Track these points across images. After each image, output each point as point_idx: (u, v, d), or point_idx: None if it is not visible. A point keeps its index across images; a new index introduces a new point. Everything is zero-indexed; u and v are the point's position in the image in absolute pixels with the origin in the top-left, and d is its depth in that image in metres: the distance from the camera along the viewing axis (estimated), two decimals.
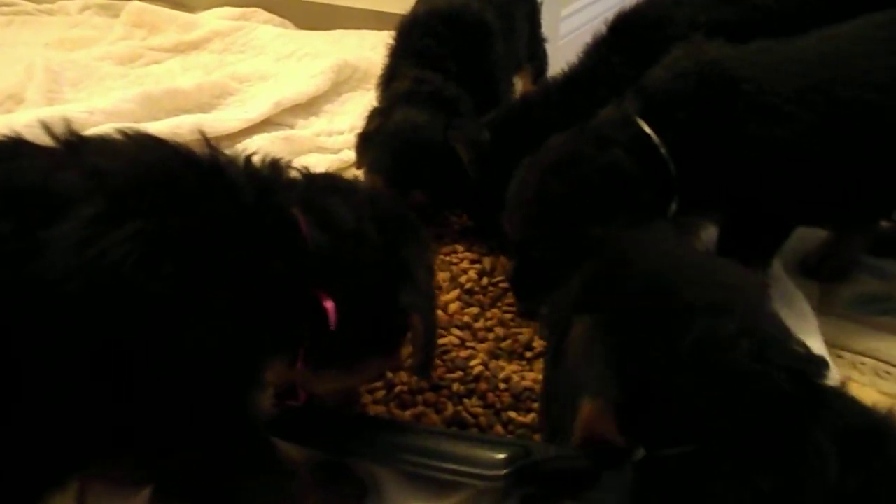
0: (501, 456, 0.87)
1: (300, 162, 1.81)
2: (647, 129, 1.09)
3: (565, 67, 1.41)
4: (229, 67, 2.38)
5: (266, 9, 2.78)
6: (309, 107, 2.13)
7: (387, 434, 0.93)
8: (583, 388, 0.71)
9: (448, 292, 1.22)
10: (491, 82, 1.46)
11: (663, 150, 1.08)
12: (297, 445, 0.94)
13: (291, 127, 2.07)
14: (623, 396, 0.69)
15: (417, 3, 1.57)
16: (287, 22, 2.75)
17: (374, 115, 1.38)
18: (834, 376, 1.12)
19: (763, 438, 0.64)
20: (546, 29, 2.10)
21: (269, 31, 2.62)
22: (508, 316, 1.20)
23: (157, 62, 2.42)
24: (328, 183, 0.89)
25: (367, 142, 1.37)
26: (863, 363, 1.20)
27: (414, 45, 1.45)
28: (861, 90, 1.05)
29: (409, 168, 1.32)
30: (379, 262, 0.84)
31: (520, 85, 1.89)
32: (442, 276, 1.26)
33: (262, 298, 0.74)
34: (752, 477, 0.62)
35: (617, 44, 1.35)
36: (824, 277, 1.39)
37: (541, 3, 1.88)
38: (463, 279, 1.26)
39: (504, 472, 0.85)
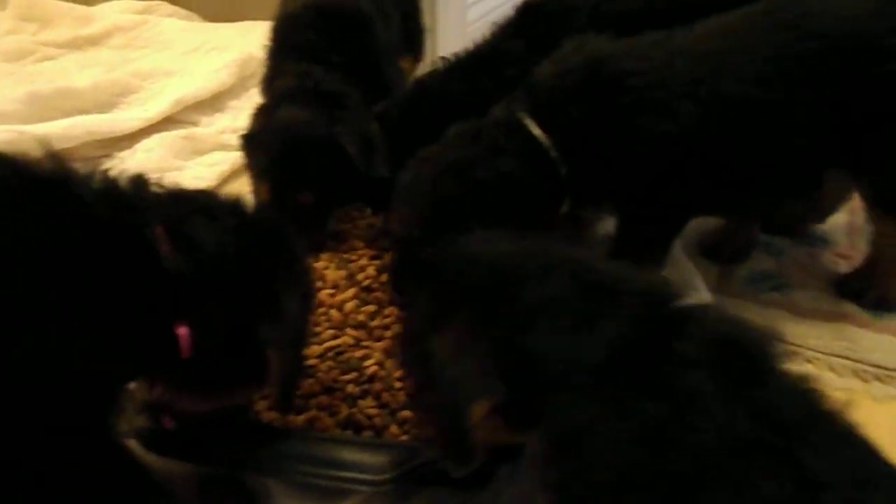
0: (386, 459, 0.85)
1: (206, 160, 1.83)
2: (535, 130, 1.08)
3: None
4: (132, 64, 2.28)
5: (171, 1, 2.66)
6: (213, 103, 2.06)
7: (272, 443, 0.90)
8: (466, 396, 0.69)
9: (345, 290, 1.19)
10: (378, 72, 1.43)
11: (553, 154, 1.08)
12: (181, 461, 0.91)
13: (195, 125, 2.00)
14: (508, 393, 0.68)
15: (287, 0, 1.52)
16: (193, 14, 2.65)
17: (258, 115, 1.33)
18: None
19: (631, 366, 0.64)
20: (454, 15, 2.09)
21: (174, 25, 2.52)
22: None
23: (50, 59, 2.29)
24: (195, 202, 0.84)
25: (251, 144, 1.32)
26: None
27: (293, 41, 1.40)
28: (742, 84, 1.06)
29: (293, 169, 1.27)
30: (239, 291, 0.80)
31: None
32: (339, 275, 1.23)
33: (109, 319, 0.70)
34: (634, 403, 0.62)
35: (522, 28, 1.35)
36: (723, 259, 1.42)
37: None
38: (360, 276, 1.23)
39: (388, 476, 0.84)
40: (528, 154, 1.08)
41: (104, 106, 2.02)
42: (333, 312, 1.15)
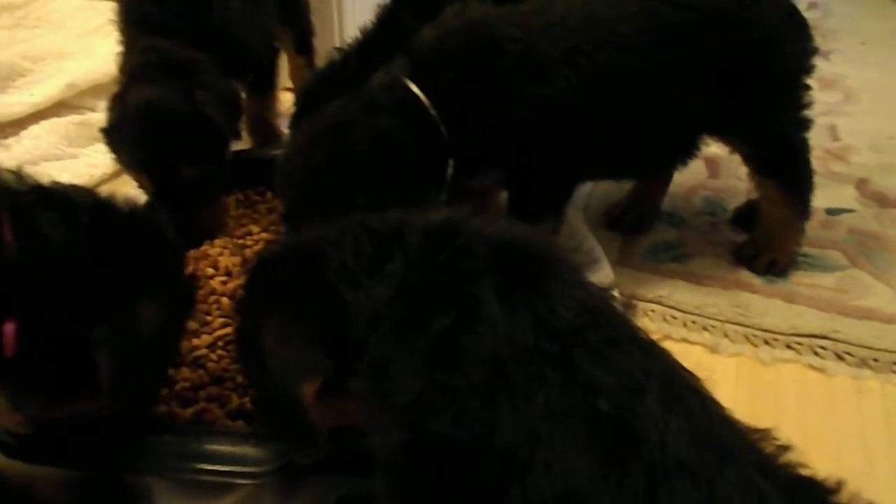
0: (271, 451, 0.83)
1: (102, 147, 1.72)
2: (416, 90, 1.06)
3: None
4: (20, 45, 2.14)
5: None
6: (112, 87, 1.94)
7: (152, 440, 0.86)
8: (294, 378, 0.69)
9: (238, 278, 1.15)
10: (232, 41, 1.35)
11: (433, 112, 1.06)
12: (51, 467, 0.86)
13: (92, 110, 1.89)
14: (335, 366, 0.68)
15: None
16: None
17: (113, 105, 1.25)
18: None
19: (418, 290, 0.67)
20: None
21: (69, 4, 2.37)
22: None
23: None
24: (52, 195, 0.78)
25: (113, 137, 1.24)
26: (653, 310, 1.26)
27: (138, 13, 1.32)
28: (618, 53, 1.07)
29: (164, 150, 1.20)
30: (77, 291, 0.74)
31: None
32: (233, 261, 1.19)
33: None
34: (421, 322, 0.64)
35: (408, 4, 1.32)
36: (626, 229, 1.44)
37: None
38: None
39: (270, 467, 0.81)
40: (407, 112, 1.06)
41: None
42: (225, 301, 1.11)
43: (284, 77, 1.83)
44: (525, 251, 0.70)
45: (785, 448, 0.64)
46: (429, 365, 0.62)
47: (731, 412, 0.65)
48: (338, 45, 2.02)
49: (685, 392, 0.62)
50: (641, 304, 1.26)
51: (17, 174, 0.81)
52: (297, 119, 1.35)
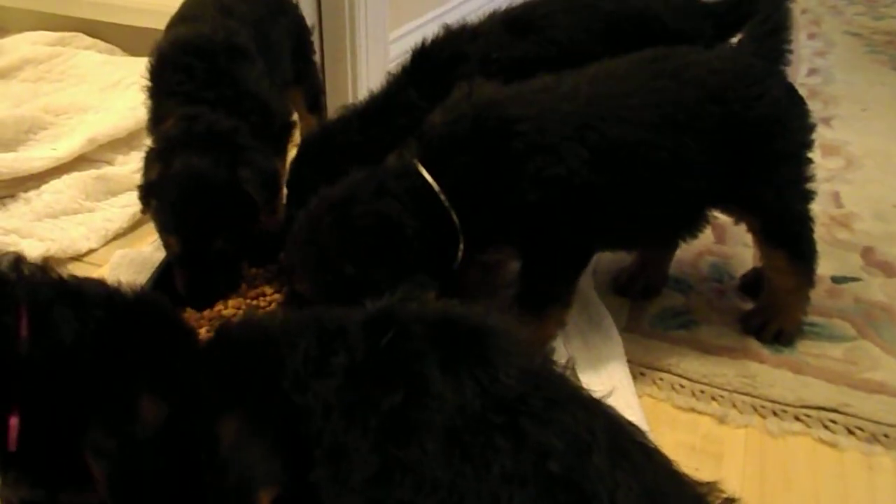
0: None
1: (119, 202, 1.76)
2: (427, 176, 1.09)
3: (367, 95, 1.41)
4: (43, 99, 2.20)
5: (90, 33, 2.60)
6: (130, 141, 2.00)
7: None
8: (253, 483, 0.71)
9: None
10: (259, 104, 1.40)
11: (443, 198, 1.09)
12: None
13: (110, 164, 1.94)
14: (293, 477, 0.70)
15: (162, 38, 1.49)
16: (115, 48, 2.59)
17: (152, 160, 1.30)
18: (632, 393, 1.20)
19: (365, 376, 0.71)
20: (375, 52, 2.10)
21: (91, 58, 2.45)
22: None
23: None
24: (70, 291, 0.79)
25: (152, 194, 1.28)
26: (661, 379, 1.26)
27: (168, 81, 1.37)
28: (628, 128, 1.10)
29: (201, 221, 1.25)
30: (79, 390, 0.73)
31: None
32: None
33: None
34: (371, 402, 0.68)
35: (414, 76, 1.37)
36: (634, 295, 1.46)
37: (313, 26, 1.86)
38: None
39: None
40: (416, 198, 1.09)
41: (10, 143, 1.94)
42: None
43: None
44: (461, 326, 0.74)
45: (731, 501, 0.67)
46: (383, 441, 0.66)
47: (676, 464, 0.69)
48: (351, 101, 2.10)
49: (631, 447, 0.66)
50: (649, 373, 1.27)
51: (41, 268, 0.81)
52: (296, 167, 1.40)
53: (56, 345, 0.72)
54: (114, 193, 1.80)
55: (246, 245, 1.31)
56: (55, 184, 1.75)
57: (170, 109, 1.33)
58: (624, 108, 1.11)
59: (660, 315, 1.41)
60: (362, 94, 2.06)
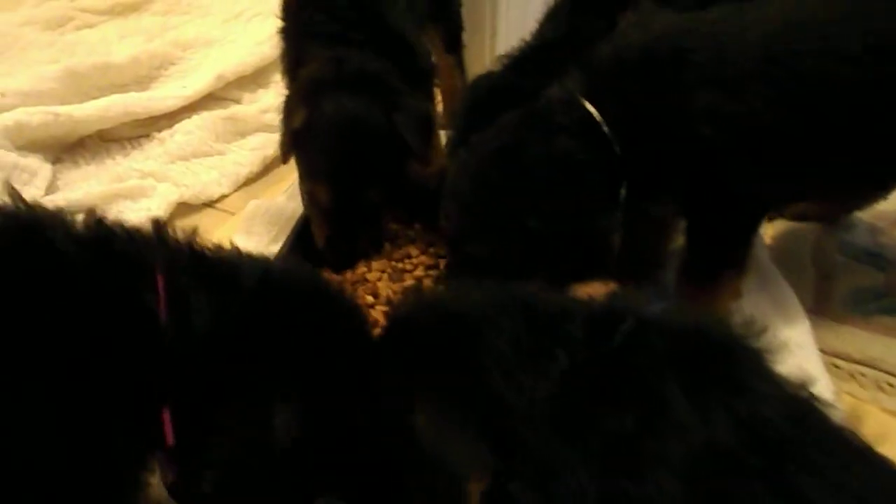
0: None
1: (249, 143, 1.71)
2: (591, 108, 0.96)
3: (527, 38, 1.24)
4: (172, 32, 2.17)
5: None
6: (256, 78, 1.94)
7: None
8: (461, 473, 0.61)
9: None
10: (405, 44, 1.26)
11: (606, 130, 0.95)
12: None
13: (237, 102, 1.89)
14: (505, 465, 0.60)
15: None
16: None
17: (294, 106, 1.18)
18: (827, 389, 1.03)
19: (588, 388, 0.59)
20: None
21: None
22: None
23: (89, 26, 2.19)
24: (206, 265, 0.69)
25: (301, 141, 1.18)
26: (863, 374, 1.08)
27: (309, 23, 1.24)
28: (825, 61, 0.92)
29: (359, 166, 1.14)
30: (214, 386, 0.64)
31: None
32: (393, 288, 1.11)
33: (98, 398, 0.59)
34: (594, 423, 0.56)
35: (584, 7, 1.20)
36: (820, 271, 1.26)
37: None
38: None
39: None
40: (584, 131, 0.96)
41: (143, 81, 1.92)
42: None
43: None
44: (706, 339, 0.60)
45: None
46: (607, 470, 0.55)
47: None
48: (489, 42, 1.93)
49: None
50: (847, 366, 1.09)
51: (188, 237, 0.72)
52: (465, 114, 1.25)
53: (196, 334, 0.63)
54: (243, 135, 1.75)
55: (395, 198, 1.21)
56: (186, 124, 1.72)
57: (312, 51, 1.22)
58: (822, 37, 0.92)
59: (853, 295, 1.21)
60: (502, 29, 1.89)
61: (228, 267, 0.69)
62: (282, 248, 1.19)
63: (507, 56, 1.24)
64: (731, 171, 0.98)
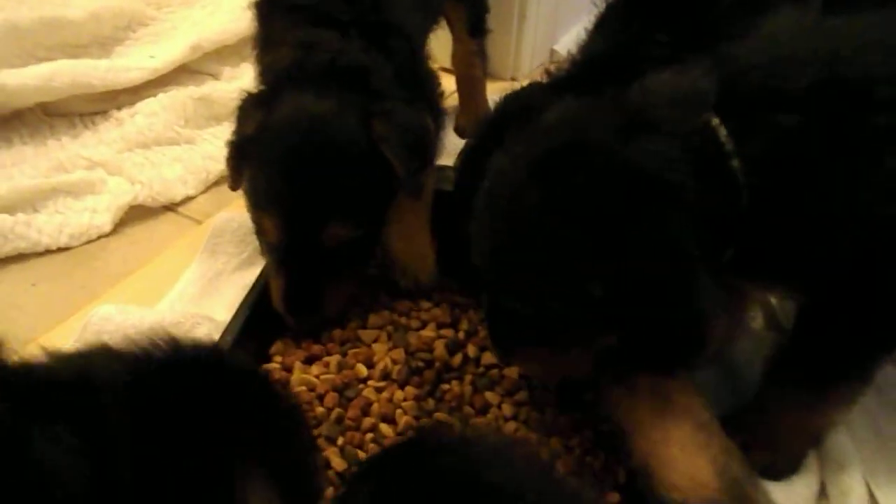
0: None
1: (223, 132, 1.40)
2: (719, 128, 0.67)
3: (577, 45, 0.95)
4: None
5: None
6: (240, 49, 1.63)
7: None
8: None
9: (401, 380, 0.82)
10: (401, 35, 0.96)
11: (736, 164, 0.67)
12: None
13: (215, 77, 1.60)
14: None
15: None
16: None
17: (249, 107, 0.89)
18: None
19: None
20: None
21: None
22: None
23: None
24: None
25: (244, 154, 0.89)
26: None
27: None
28: None
29: (315, 192, 0.84)
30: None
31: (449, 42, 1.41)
32: (395, 356, 0.85)
33: None
34: None
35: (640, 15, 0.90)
36: None
37: None
38: (423, 356, 0.85)
39: None
40: (698, 150, 0.67)
41: (105, 43, 1.62)
42: (383, 427, 0.77)
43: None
44: None
45: None
46: None
47: None
48: (516, 26, 1.64)
49: None
50: None
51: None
52: (472, 153, 0.96)
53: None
54: (218, 119, 1.46)
55: (369, 241, 0.92)
56: (150, 103, 1.43)
57: (283, 32, 0.93)
58: None
59: None
60: (531, 11, 1.62)
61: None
62: (238, 311, 0.87)
63: (549, 71, 0.96)
64: None
